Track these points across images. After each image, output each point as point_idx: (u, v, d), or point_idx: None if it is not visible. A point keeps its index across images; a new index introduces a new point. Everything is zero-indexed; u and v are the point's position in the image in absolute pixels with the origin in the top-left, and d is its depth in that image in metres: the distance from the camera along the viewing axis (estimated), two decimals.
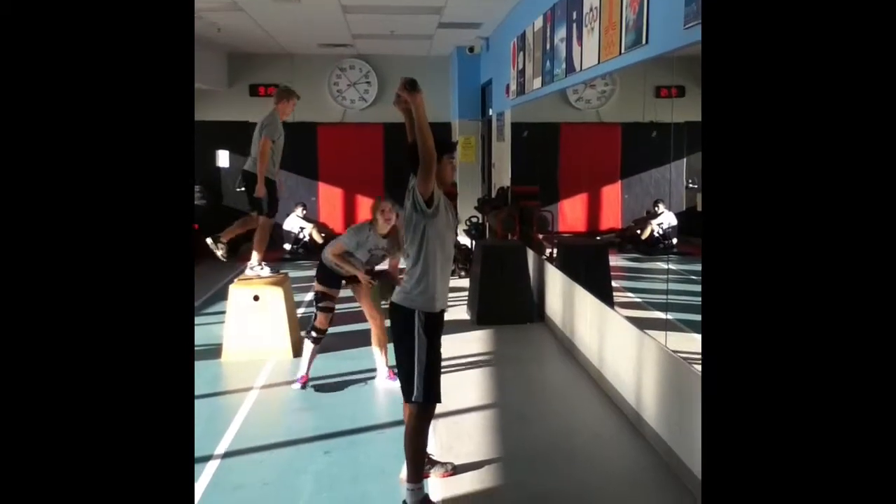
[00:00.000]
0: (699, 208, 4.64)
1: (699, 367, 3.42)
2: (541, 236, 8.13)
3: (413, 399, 3.35)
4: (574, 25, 5.68)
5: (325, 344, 6.28)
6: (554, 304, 6.60)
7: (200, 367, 5.67)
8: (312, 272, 9.76)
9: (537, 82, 7.02)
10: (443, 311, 3.48)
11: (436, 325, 3.41)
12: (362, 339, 6.37)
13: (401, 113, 3.44)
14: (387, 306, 3.63)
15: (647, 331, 4.31)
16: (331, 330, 6.78)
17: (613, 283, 6.43)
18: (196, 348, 6.11)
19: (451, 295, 3.56)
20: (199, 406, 4.84)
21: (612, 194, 8.18)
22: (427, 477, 3.61)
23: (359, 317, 7.21)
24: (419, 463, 3.43)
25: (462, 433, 4.30)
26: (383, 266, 5.31)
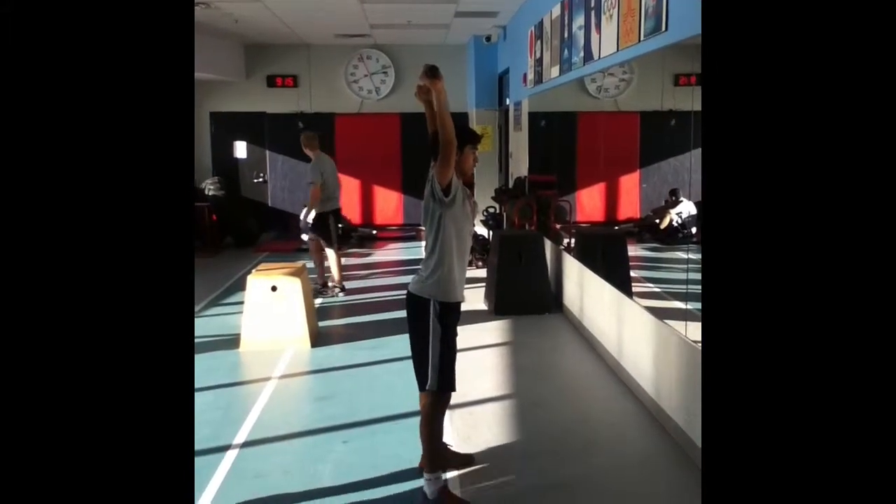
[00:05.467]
0: None
1: None
2: (558, 226, 8.09)
3: (427, 388, 3.34)
4: (592, 13, 5.63)
5: (343, 334, 6.32)
6: (572, 293, 6.57)
7: (219, 356, 5.71)
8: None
9: (555, 71, 6.97)
10: (459, 303, 3.46)
11: (451, 315, 3.39)
12: (382, 328, 6.39)
13: (421, 104, 3.44)
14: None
15: (666, 320, 4.28)
16: (349, 320, 6.87)
17: (632, 273, 6.38)
18: (214, 338, 6.15)
19: (468, 285, 3.55)
20: (218, 396, 4.88)
21: (630, 183, 8.12)
22: (447, 468, 3.60)
23: (377, 307, 7.25)
24: (434, 452, 3.43)
25: (479, 423, 4.29)
26: None
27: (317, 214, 7.60)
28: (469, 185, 3.47)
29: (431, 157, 3.32)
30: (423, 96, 3.36)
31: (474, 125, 11.44)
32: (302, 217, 7.72)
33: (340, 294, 7.78)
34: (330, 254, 7.75)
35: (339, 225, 10.59)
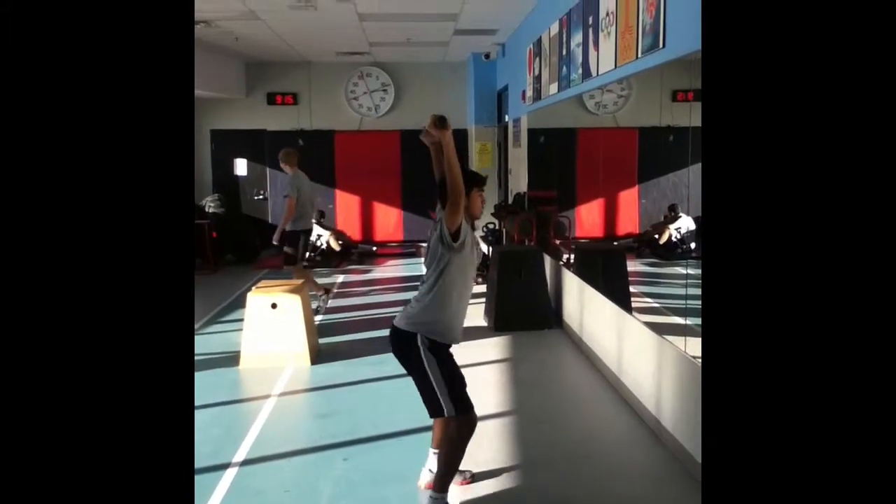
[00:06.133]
0: None
1: None
2: (558, 241, 8.10)
3: (446, 415, 3.32)
4: (590, 30, 5.67)
5: (343, 350, 6.32)
6: (571, 309, 6.57)
7: (219, 374, 5.70)
8: (330, 279, 9.83)
9: (553, 88, 7.01)
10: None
11: (442, 347, 3.35)
12: (383, 345, 6.38)
13: (428, 147, 3.46)
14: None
15: (666, 336, 4.28)
16: (351, 336, 6.87)
17: (631, 289, 6.39)
18: (214, 355, 6.15)
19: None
20: (218, 413, 4.87)
21: (629, 199, 8.15)
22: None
23: (377, 323, 7.24)
24: (451, 475, 3.40)
25: (480, 440, 4.26)
26: None
27: (289, 232, 7.62)
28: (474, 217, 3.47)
29: (439, 201, 3.34)
30: (430, 140, 3.39)
31: (473, 141, 11.49)
32: (275, 239, 7.72)
33: (325, 296, 7.82)
34: (290, 269, 7.80)
35: (341, 241, 10.62)
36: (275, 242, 7.79)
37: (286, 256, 7.77)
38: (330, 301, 7.88)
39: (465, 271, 3.37)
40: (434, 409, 3.34)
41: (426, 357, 3.27)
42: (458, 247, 3.26)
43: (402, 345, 3.35)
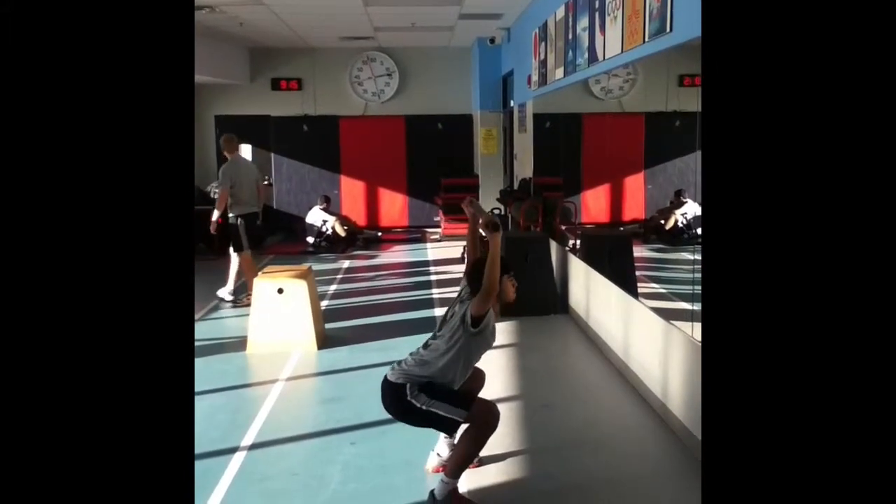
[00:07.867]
0: None
1: None
2: (564, 227, 8.10)
3: (462, 421, 3.33)
4: (597, 14, 5.64)
5: (350, 336, 6.33)
6: (577, 295, 6.58)
7: (226, 359, 5.73)
8: (336, 265, 9.82)
9: (559, 72, 6.98)
10: None
11: (427, 384, 3.35)
12: (389, 330, 6.40)
13: (469, 219, 3.58)
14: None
15: (673, 321, 4.28)
16: (355, 322, 6.88)
17: (638, 274, 6.39)
18: (222, 341, 6.18)
19: None
20: (226, 398, 4.90)
21: (635, 185, 8.14)
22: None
23: (383, 309, 7.26)
24: (468, 463, 3.42)
25: None
26: None
27: (230, 217, 7.50)
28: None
29: (469, 284, 3.43)
30: (469, 211, 3.57)
31: (479, 127, 11.47)
32: (212, 228, 7.56)
33: (229, 300, 7.58)
34: (234, 258, 7.63)
35: (347, 227, 10.58)
36: (213, 232, 7.65)
37: (234, 243, 7.60)
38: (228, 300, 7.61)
39: (478, 352, 3.46)
40: (449, 427, 3.38)
41: (417, 398, 3.29)
42: (476, 333, 3.34)
43: (392, 398, 3.37)
